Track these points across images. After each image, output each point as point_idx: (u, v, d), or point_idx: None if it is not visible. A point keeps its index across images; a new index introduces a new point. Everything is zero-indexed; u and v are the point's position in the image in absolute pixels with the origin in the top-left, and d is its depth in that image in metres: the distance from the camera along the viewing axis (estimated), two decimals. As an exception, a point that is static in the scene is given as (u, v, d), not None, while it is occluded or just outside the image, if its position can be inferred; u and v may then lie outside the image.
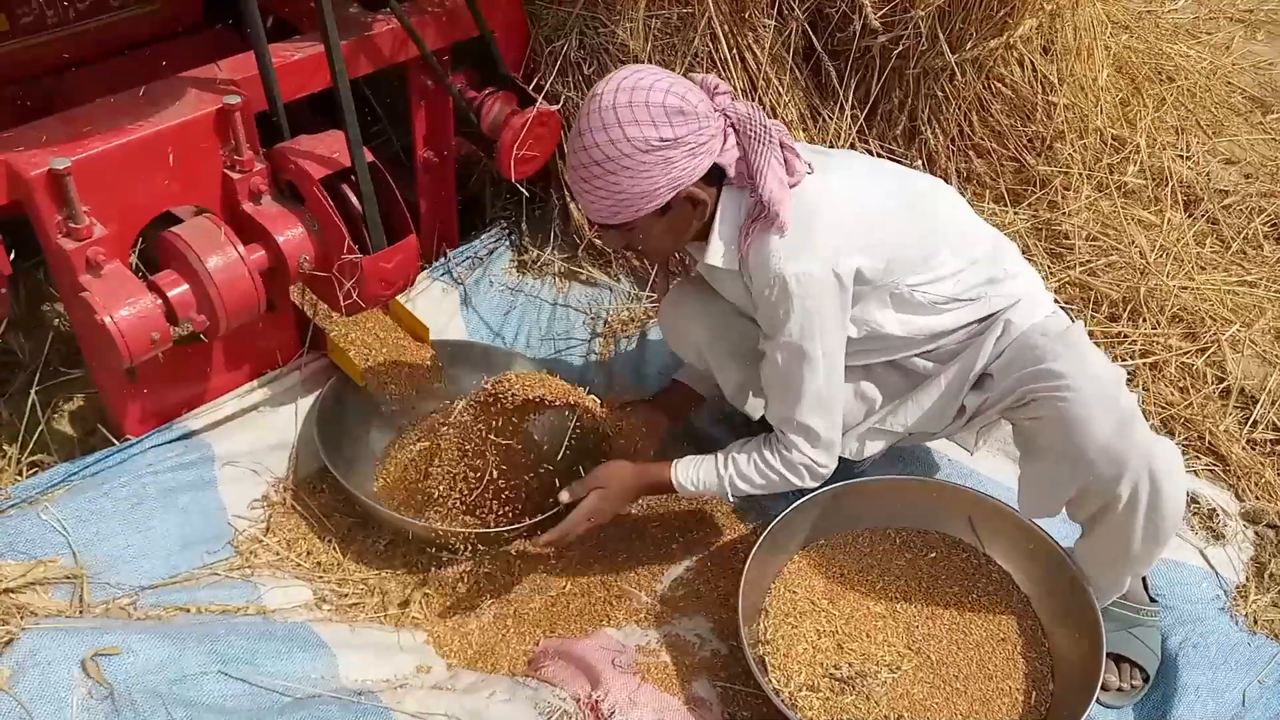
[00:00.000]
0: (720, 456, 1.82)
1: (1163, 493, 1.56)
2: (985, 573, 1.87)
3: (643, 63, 1.72)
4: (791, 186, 1.61)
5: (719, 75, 2.32)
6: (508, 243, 2.63)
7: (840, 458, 1.83)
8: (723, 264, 1.67)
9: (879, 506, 1.94)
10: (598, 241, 2.54)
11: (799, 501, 1.86)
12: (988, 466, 2.12)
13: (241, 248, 1.78)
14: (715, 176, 1.62)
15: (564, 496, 1.84)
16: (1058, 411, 1.57)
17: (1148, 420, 1.75)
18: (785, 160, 1.60)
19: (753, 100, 2.38)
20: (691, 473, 1.83)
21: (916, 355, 1.80)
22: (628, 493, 1.86)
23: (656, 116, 1.51)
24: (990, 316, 1.74)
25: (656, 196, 1.57)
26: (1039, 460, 1.68)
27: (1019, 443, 1.77)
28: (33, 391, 2.01)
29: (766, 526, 1.83)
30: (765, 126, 1.58)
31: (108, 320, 1.66)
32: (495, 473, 2.16)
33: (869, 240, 1.65)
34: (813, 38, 2.45)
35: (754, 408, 2.03)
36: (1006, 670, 1.75)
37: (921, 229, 1.71)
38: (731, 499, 1.97)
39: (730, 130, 1.60)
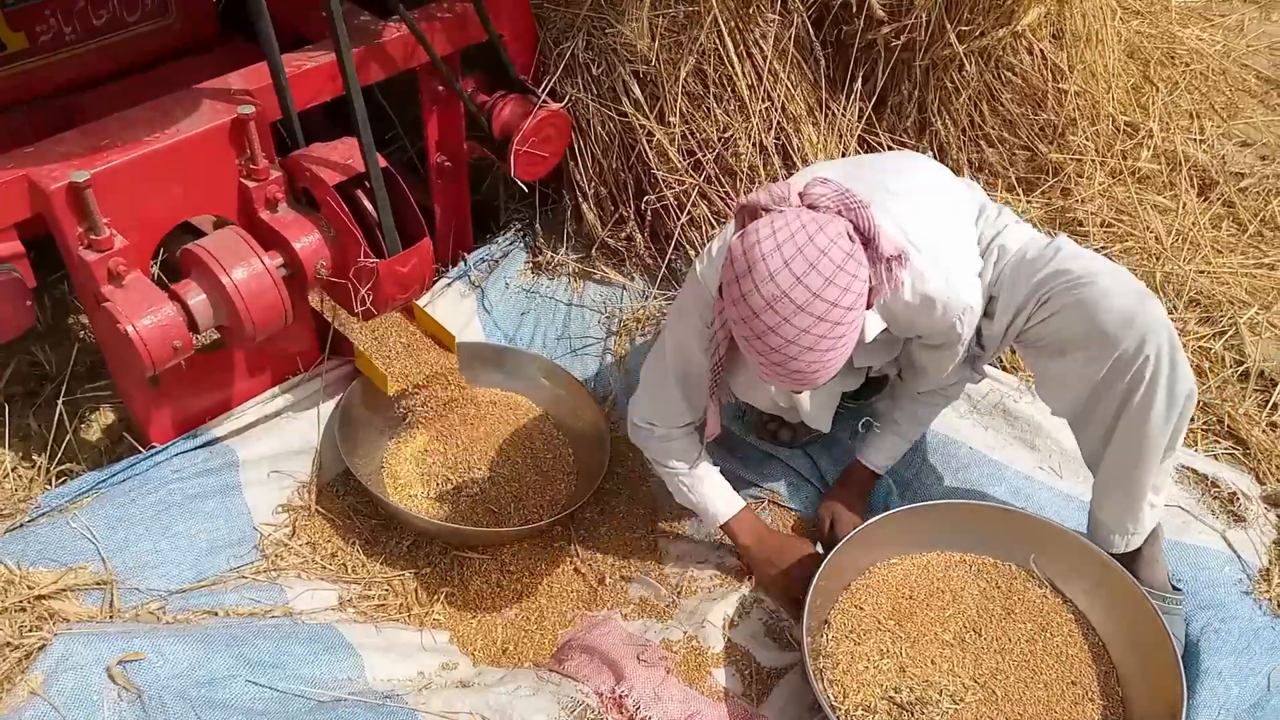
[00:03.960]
0: (895, 429, 1.98)
1: (1178, 360, 1.59)
2: (1061, 612, 1.81)
3: (753, 239, 1.45)
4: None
5: (728, 70, 2.34)
6: (522, 245, 2.65)
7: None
8: (881, 327, 1.65)
9: (957, 530, 1.89)
10: (610, 241, 2.55)
11: (877, 517, 1.85)
12: (1005, 455, 2.12)
13: (266, 258, 1.80)
14: None
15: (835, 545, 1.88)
16: (1075, 298, 1.59)
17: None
18: (849, 190, 1.52)
19: (759, 94, 2.38)
20: (883, 456, 2.01)
21: None
22: (857, 504, 2.04)
23: (851, 269, 1.42)
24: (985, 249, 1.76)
25: (860, 325, 1.51)
26: (1061, 355, 1.66)
27: (1035, 354, 1.74)
28: (60, 402, 2.04)
29: (843, 539, 1.82)
30: (852, 192, 1.49)
31: (130, 329, 1.68)
32: (509, 473, 2.19)
33: (968, 238, 1.69)
34: (812, 34, 2.45)
35: (827, 423, 2.01)
36: (1074, 716, 1.68)
37: (956, 207, 1.73)
38: None
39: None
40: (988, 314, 1.74)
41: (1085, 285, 1.59)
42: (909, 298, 1.61)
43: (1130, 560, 1.81)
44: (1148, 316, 1.57)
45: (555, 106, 2.30)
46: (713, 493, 1.94)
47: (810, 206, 1.47)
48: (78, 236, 1.70)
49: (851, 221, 1.48)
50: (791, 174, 2.38)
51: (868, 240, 1.49)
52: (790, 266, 1.40)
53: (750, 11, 2.33)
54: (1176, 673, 1.63)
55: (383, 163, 1.85)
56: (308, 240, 1.86)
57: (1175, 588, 1.84)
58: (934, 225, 1.65)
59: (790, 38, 2.41)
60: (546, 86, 2.34)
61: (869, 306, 1.56)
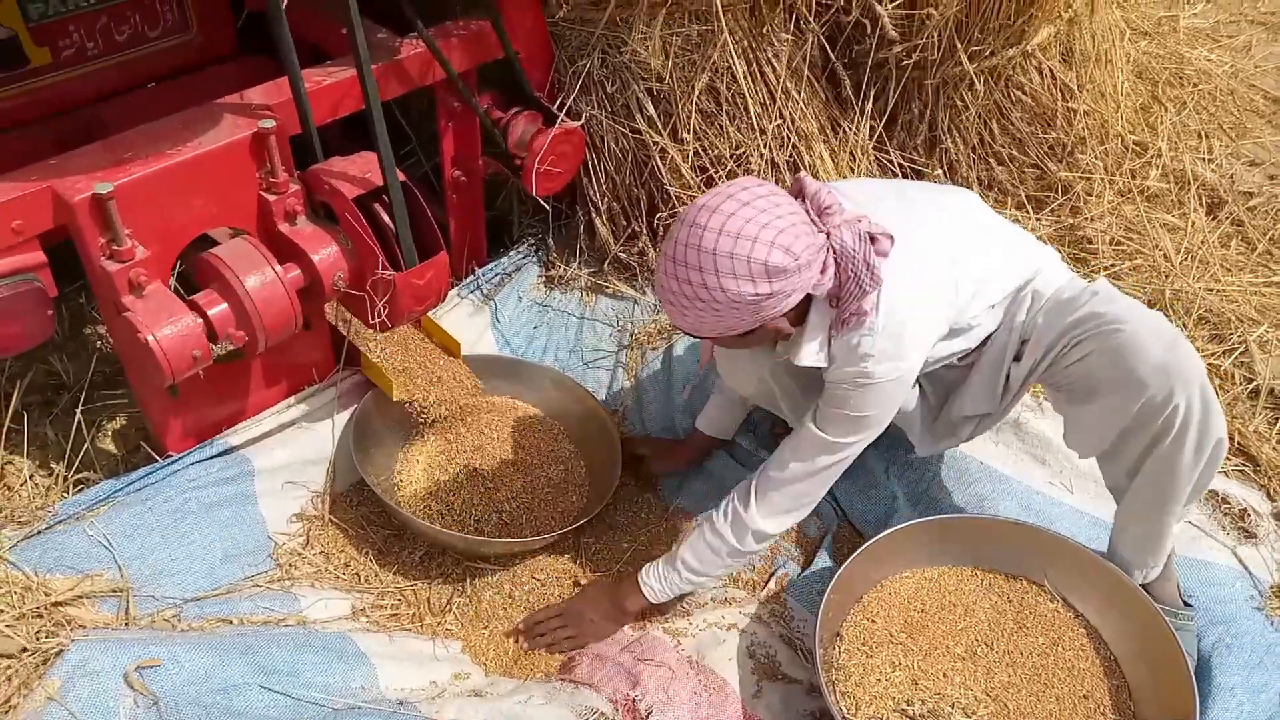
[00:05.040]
0: (670, 558, 1.86)
1: (1211, 408, 1.58)
2: (1073, 627, 1.83)
3: (740, 176, 1.51)
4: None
5: (741, 88, 2.36)
6: (535, 259, 2.67)
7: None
8: (813, 363, 1.64)
9: (968, 544, 1.90)
10: (622, 256, 2.57)
11: (889, 530, 1.85)
12: (1016, 470, 2.12)
13: (278, 266, 1.83)
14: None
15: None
16: (1108, 343, 1.59)
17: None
18: (870, 268, 1.51)
19: (771, 112, 2.41)
20: (657, 581, 1.86)
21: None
22: (599, 605, 1.92)
23: (757, 274, 1.44)
24: (1016, 293, 1.74)
25: (741, 328, 1.53)
26: (1089, 399, 1.66)
27: (1061, 398, 1.75)
28: (78, 411, 2.06)
29: (856, 550, 1.83)
30: (868, 264, 1.49)
31: (150, 339, 1.70)
32: (521, 485, 2.20)
33: (948, 311, 1.66)
34: (829, 51, 2.48)
35: None
36: None
37: (980, 259, 1.69)
38: (693, 589, 1.92)
39: (831, 260, 1.50)
40: (1017, 357, 1.75)
41: (1118, 330, 1.58)
42: (851, 342, 1.59)
43: (1142, 577, 1.81)
44: (1180, 364, 1.56)
45: (570, 124, 2.33)
46: (710, 405, 2.22)
47: (826, 233, 1.49)
48: (100, 247, 1.73)
49: (839, 280, 1.51)
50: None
51: (836, 300, 1.55)
52: (728, 221, 1.44)
53: (763, 31, 2.36)
54: (1188, 688, 1.63)
55: (401, 177, 1.87)
56: (326, 253, 1.88)
57: (1186, 603, 1.85)
58: (912, 301, 1.59)
59: (803, 56, 2.43)
60: (562, 104, 2.37)
61: (779, 333, 1.59)
